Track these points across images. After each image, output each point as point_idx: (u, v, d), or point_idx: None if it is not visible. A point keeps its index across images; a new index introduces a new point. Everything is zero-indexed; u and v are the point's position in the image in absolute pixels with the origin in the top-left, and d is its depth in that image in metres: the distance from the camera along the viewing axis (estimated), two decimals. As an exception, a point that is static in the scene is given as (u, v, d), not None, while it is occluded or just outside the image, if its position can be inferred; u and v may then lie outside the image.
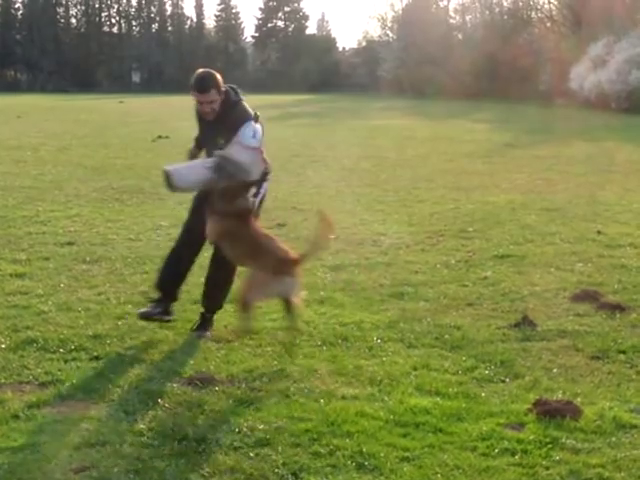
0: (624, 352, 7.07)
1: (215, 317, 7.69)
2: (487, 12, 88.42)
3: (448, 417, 5.66)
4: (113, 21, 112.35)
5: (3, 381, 6.28)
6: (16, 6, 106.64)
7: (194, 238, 7.62)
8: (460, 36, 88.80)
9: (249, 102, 7.59)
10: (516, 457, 5.10)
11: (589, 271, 9.93)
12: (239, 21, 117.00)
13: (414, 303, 8.54)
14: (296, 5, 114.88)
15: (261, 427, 5.48)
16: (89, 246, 10.98)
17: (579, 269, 10.03)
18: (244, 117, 7.37)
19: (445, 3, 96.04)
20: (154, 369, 6.56)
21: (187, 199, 8.18)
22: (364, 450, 5.16)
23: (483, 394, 6.11)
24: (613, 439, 5.36)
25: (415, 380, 6.37)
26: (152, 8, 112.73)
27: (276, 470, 4.96)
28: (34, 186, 16.44)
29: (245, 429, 5.45)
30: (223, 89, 7.40)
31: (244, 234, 7.12)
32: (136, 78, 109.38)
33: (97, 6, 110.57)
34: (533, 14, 79.16)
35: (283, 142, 23.43)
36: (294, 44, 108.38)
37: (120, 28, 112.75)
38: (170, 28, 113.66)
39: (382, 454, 5.12)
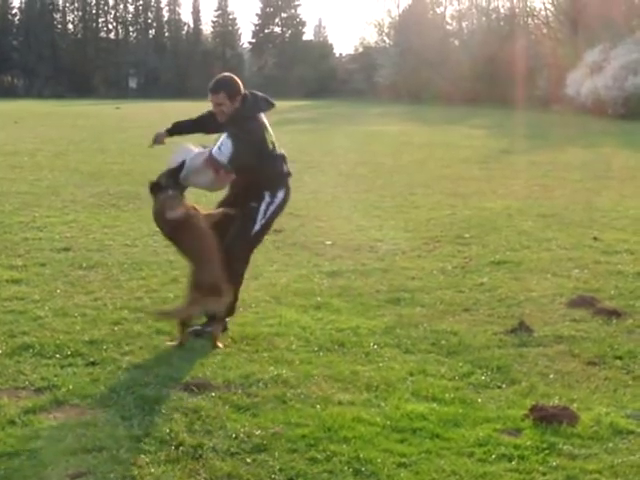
0: (620, 358, 7.07)
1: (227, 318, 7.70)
2: (484, 18, 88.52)
3: (445, 423, 5.65)
4: (110, 27, 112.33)
5: (-1, 387, 6.28)
6: (13, 12, 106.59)
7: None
8: (457, 42, 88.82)
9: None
10: (513, 463, 5.10)
11: (585, 277, 9.94)
12: (236, 27, 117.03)
13: (410, 309, 8.54)
14: (293, 11, 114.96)
15: (258, 433, 5.47)
16: (85, 252, 10.97)
17: (575, 275, 10.04)
18: (237, 131, 7.48)
19: (442, 9, 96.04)
20: (150, 375, 6.54)
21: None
22: (361, 456, 5.15)
23: (480, 400, 6.11)
24: (610, 445, 5.36)
25: (412, 386, 6.36)
26: (149, 14, 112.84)
27: (273, 476, 4.95)
28: (30, 192, 16.43)
29: (242, 435, 5.45)
30: (239, 97, 7.58)
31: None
32: (133, 84, 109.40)
33: (94, 12, 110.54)
34: (530, 20, 79.26)
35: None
36: (291, 50, 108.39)
37: (117, 34, 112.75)
38: (167, 34, 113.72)
39: (379, 460, 5.11)
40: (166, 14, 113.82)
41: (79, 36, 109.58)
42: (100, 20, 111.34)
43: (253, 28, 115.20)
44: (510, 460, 5.14)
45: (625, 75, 49.44)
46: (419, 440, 5.41)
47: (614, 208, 15.26)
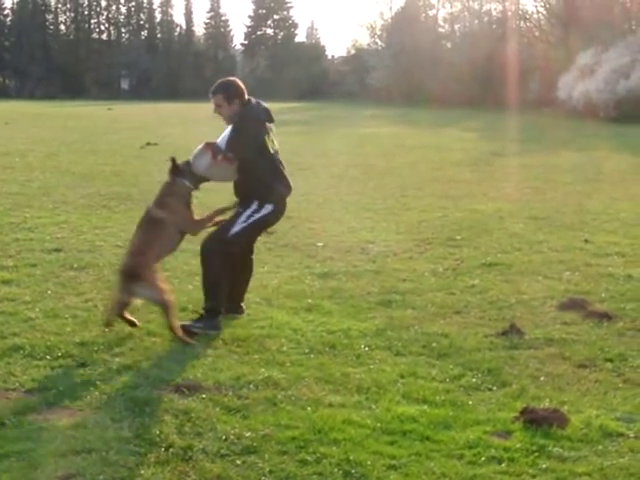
0: (611, 360, 7.08)
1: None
2: (476, 21, 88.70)
3: (435, 425, 5.66)
4: (102, 28, 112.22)
5: (-11, 388, 6.26)
6: (5, 12, 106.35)
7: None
8: (449, 45, 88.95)
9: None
10: (503, 465, 5.11)
11: (576, 280, 9.95)
12: (228, 29, 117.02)
13: (402, 311, 8.54)
14: (285, 13, 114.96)
15: (248, 435, 5.47)
16: (76, 253, 10.95)
17: (566, 277, 10.05)
18: (237, 123, 7.85)
19: (434, 12, 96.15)
20: (141, 376, 6.54)
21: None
22: (351, 458, 5.15)
23: (470, 402, 6.12)
24: (600, 447, 5.36)
25: (402, 388, 6.37)
26: (141, 15, 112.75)
27: (263, 478, 4.95)
28: (22, 192, 16.41)
29: (232, 437, 5.44)
30: (237, 101, 7.87)
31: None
32: (125, 85, 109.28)
33: (86, 13, 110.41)
34: (522, 23, 79.32)
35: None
36: (283, 52, 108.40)
37: (109, 35, 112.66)
38: (159, 35, 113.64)
39: (369, 462, 5.11)
40: (158, 15, 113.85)
41: (71, 37, 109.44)
42: (92, 21, 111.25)
43: (245, 30, 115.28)
44: (500, 462, 5.14)
45: (617, 78, 49.57)
46: (409, 442, 5.41)
47: (605, 211, 15.29)
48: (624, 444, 5.43)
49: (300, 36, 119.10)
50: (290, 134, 34.32)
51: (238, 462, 5.12)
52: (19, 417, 5.70)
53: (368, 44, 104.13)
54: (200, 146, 7.96)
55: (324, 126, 43.04)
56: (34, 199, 15.58)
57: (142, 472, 4.97)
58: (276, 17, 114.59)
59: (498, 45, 69.17)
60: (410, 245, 11.91)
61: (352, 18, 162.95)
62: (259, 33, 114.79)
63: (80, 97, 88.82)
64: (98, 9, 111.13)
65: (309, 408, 5.93)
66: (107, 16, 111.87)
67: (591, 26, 56.77)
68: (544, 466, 5.10)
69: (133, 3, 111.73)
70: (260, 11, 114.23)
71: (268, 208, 7.89)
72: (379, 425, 5.65)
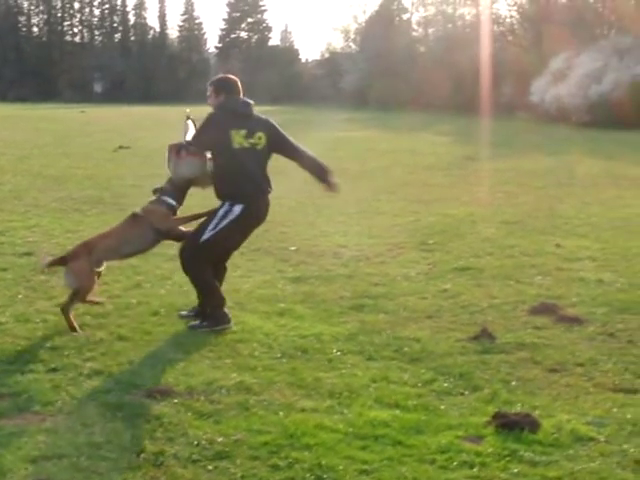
0: (582, 365, 7.11)
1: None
2: (450, 25, 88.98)
3: (407, 430, 5.66)
4: (75, 30, 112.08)
5: (-41, 393, 6.21)
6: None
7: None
8: (423, 49, 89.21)
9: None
10: (474, 470, 5.11)
11: (548, 284, 9.99)
12: (202, 32, 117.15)
13: (374, 315, 8.55)
14: (259, 16, 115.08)
15: (220, 440, 5.46)
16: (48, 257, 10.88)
17: (538, 282, 10.09)
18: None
19: (408, 16, 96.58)
20: (112, 381, 6.51)
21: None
22: (323, 463, 5.14)
23: (442, 407, 6.12)
24: (571, 452, 5.38)
25: (374, 393, 6.37)
26: (115, 18, 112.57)
27: (234, 483, 4.94)
28: (-7, 196, 16.31)
29: (204, 442, 5.42)
30: (224, 94, 8.08)
31: None
32: (98, 88, 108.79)
33: (59, 15, 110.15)
34: (495, 27, 79.63)
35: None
36: (257, 55, 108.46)
37: (82, 37, 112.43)
38: (133, 38, 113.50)
39: (341, 467, 5.11)
40: (132, 18, 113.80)
41: (44, 39, 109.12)
42: (65, 23, 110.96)
43: (219, 33, 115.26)
44: (472, 467, 5.15)
45: (589, 83, 49.87)
46: (381, 447, 5.42)
47: (576, 215, 15.37)
48: (595, 448, 5.45)
49: (274, 39, 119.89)
50: (264, 137, 34.20)
51: (210, 467, 5.11)
52: (-11, 423, 5.67)
53: (342, 48, 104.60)
54: (166, 152, 8.04)
55: (298, 130, 42.73)
56: (5, 202, 15.49)
57: (114, 478, 4.94)
58: (250, 20, 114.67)
59: (472, 49, 69.39)
60: (383, 249, 11.93)
61: (326, 22, 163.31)
62: (233, 36, 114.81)
63: (53, 100, 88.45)
64: (71, 11, 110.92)
65: (281, 413, 5.92)
66: (80, 18, 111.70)
67: (564, 31, 57.03)
68: (516, 470, 5.11)
69: (107, 5, 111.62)
70: (234, 14, 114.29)
71: (236, 210, 7.86)
72: (351, 430, 5.64)
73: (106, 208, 15.04)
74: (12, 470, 5.00)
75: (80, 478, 4.93)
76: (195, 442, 5.42)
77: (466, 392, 6.46)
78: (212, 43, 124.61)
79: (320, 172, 8.39)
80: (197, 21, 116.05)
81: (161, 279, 9.78)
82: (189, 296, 8.71)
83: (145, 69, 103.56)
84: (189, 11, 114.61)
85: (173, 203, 8.05)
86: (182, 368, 6.83)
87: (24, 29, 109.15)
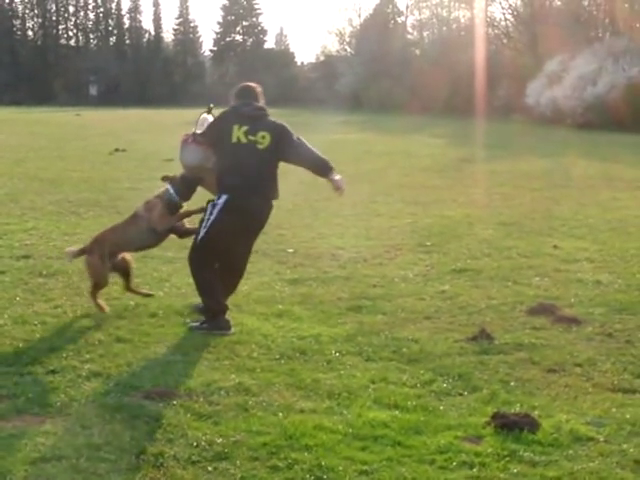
0: (580, 365, 7.12)
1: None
2: (444, 28, 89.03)
3: (406, 430, 5.66)
4: (70, 34, 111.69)
5: (-43, 395, 6.21)
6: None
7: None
8: (418, 51, 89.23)
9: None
10: (474, 470, 5.11)
11: (545, 285, 10.00)
12: (197, 35, 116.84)
13: (372, 316, 8.55)
14: (254, 19, 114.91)
15: (219, 441, 5.45)
16: (45, 259, 10.89)
17: (536, 283, 10.10)
18: None
19: (403, 19, 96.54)
20: (111, 383, 6.51)
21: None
22: (322, 464, 5.14)
23: (441, 407, 6.12)
24: (570, 452, 5.38)
25: (373, 393, 6.37)
26: (110, 21, 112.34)
27: (234, 484, 4.94)
28: (-11, 199, 16.29)
29: (203, 443, 5.42)
30: (236, 100, 8.26)
31: None
32: (93, 91, 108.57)
33: (54, 19, 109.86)
34: (490, 30, 79.68)
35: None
36: (252, 58, 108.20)
37: (77, 41, 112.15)
38: (128, 41, 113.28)
39: (340, 468, 5.11)
40: (127, 21, 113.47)
41: (39, 43, 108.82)
42: (60, 27, 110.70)
43: (214, 36, 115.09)
44: (471, 467, 5.15)
45: (584, 85, 49.90)
46: (380, 448, 5.42)
47: (573, 217, 15.38)
48: (594, 448, 5.45)
49: (269, 42, 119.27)
50: (259, 140, 34.24)
51: (209, 468, 5.10)
52: (-12, 425, 5.66)
53: (337, 51, 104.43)
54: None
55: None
56: (2, 206, 15.48)
57: (113, 479, 4.94)
58: (245, 23, 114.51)
59: (467, 52, 69.43)
60: (380, 251, 11.93)
61: (321, 25, 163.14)
62: (228, 39, 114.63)
63: (48, 103, 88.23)
64: (66, 15, 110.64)
65: (280, 414, 5.92)
66: (75, 22, 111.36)
67: (559, 33, 57.09)
68: (515, 471, 5.11)
69: (101, 9, 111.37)
70: (229, 17, 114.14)
71: (222, 199, 7.92)
72: (350, 431, 5.64)
73: (103, 211, 15.04)
74: (11, 472, 5.00)
75: (80, 480, 4.93)
76: (194, 443, 5.41)
77: (465, 392, 6.46)
78: (207, 46, 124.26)
79: (321, 168, 8.38)
80: (192, 24, 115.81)
81: (159, 281, 9.78)
82: (187, 298, 8.73)
83: (140, 72, 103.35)
84: (184, 14, 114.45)
85: (176, 198, 8.20)
86: (181, 369, 6.82)
87: (19, 33, 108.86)
